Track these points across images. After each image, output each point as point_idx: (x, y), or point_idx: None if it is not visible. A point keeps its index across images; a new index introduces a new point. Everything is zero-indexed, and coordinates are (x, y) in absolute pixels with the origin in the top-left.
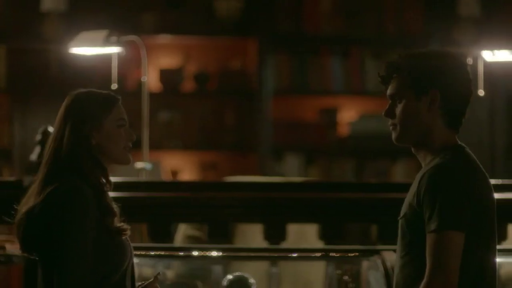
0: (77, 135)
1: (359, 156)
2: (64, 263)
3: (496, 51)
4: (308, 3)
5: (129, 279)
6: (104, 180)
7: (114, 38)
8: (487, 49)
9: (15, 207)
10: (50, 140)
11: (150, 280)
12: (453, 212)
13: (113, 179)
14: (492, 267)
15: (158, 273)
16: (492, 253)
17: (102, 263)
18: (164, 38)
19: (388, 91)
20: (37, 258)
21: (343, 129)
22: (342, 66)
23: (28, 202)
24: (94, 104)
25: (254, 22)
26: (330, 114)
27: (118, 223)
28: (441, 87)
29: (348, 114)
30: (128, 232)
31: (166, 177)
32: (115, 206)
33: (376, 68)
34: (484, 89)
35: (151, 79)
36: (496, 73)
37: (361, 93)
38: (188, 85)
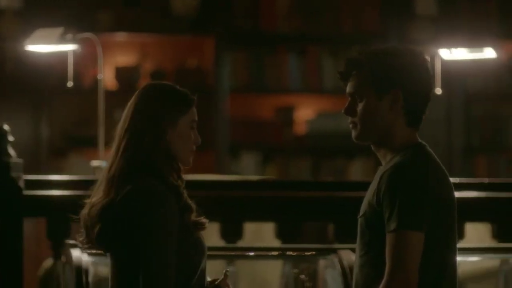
0: (156, 128)
1: (316, 155)
2: (151, 266)
3: (453, 49)
4: (265, 1)
5: (205, 276)
6: (177, 177)
7: (70, 36)
8: (444, 47)
9: (84, 201)
10: (121, 129)
11: (220, 278)
12: (412, 212)
13: (67, 177)
14: (453, 266)
15: (227, 270)
16: (453, 251)
17: (185, 261)
18: (120, 36)
19: (348, 89)
20: (107, 255)
21: (300, 128)
22: (299, 64)
23: (97, 194)
24: (173, 100)
25: (210, 20)
26: (287, 113)
27: (195, 217)
28: (403, 86)
29: (305, 113)
30: (206, 226)
31: None
32: (191, 202)
33: (333, 67)
34: (441, 88)
35: (107, 77)
36: (452, 71)
37: (318, 91)
38: (145, 83)
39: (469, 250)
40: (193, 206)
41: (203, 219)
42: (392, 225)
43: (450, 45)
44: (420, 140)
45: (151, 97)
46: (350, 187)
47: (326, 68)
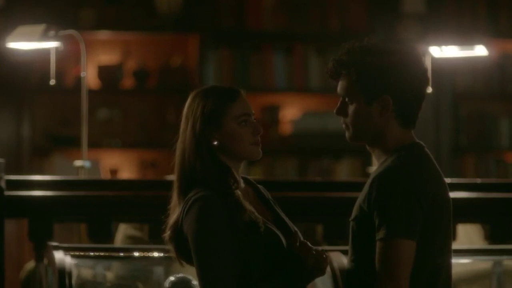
0: (196, 137)
1: (302, 155)
2: (201, 274)
3: (443, 47)
4: None
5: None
6: (232, 180)
7: (52, 33)
8: (433, 45)
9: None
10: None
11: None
12: (403, 220)
13: (50, 177)
14: (447, 268)
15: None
16: (448, 253)
17: (243, 263)
18: (103, 34)
19: (338, 89)
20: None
21: (286, 127)
22: (285, 62)
23: (174, 211)
24: (210, 103)
25: (195, 18)
26: (273, 112)
27: (253, 214)
28: (393, 90)
29: (291, 112)
30: (261, 226)
31: (105, 175)
32: (244, 201)
33: (319, 65)
34: (430, 86)
35: (89, 76)
36: (441, 69)
37: (304, 90)
38: (128, 82)
39: (461, 252)
40: (247, 207)
41: (258, 216)
42: (382, 233)
43: (438, 43)
44: (416, 140)
45: (190, 104)
46: (337, 187)
47: (312, 67)
